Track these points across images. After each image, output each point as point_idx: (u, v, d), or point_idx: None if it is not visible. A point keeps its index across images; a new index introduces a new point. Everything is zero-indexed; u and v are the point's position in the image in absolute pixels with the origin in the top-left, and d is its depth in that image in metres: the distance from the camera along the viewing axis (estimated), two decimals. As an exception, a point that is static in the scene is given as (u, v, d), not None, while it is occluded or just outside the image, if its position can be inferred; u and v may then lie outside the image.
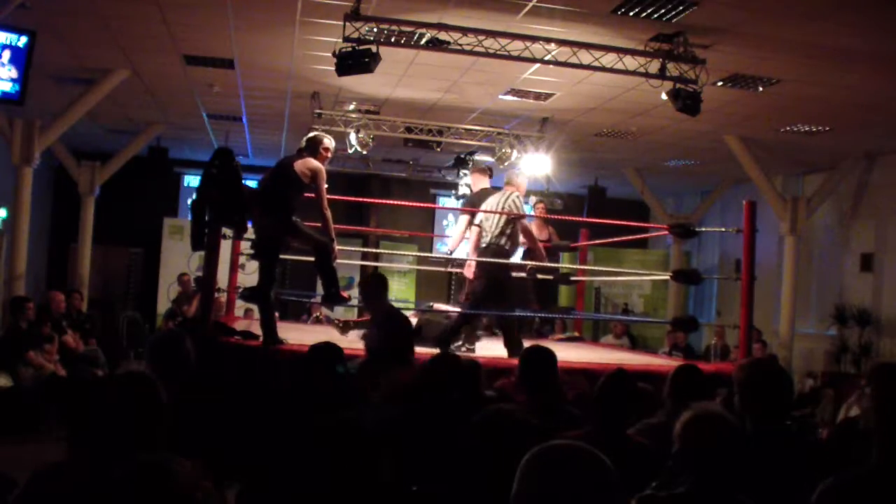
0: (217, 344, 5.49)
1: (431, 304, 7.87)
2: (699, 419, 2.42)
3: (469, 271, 6.63)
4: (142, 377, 2.57)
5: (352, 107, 9.81)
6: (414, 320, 6.81)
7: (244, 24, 7.14)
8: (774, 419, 3.09)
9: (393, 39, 6.60)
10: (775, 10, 6.09)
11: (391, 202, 13.13)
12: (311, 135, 5.96)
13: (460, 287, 8.79)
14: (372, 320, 5.57)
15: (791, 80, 7.70)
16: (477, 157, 11.15)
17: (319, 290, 6.72)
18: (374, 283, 5.64)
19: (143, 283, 14.12)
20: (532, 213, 8.48)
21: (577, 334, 9.51)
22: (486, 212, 6.54)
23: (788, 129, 9.61)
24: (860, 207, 11.12)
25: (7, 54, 6.68)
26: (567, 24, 6.59)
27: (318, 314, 11.31)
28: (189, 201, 12.42)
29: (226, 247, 6.48)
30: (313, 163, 5.65)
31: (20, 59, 6.71)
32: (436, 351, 4.86)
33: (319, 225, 5.78)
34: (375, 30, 6.39)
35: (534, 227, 7.56)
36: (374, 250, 12.97)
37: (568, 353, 6.14)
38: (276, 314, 5.96)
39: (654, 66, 6.83)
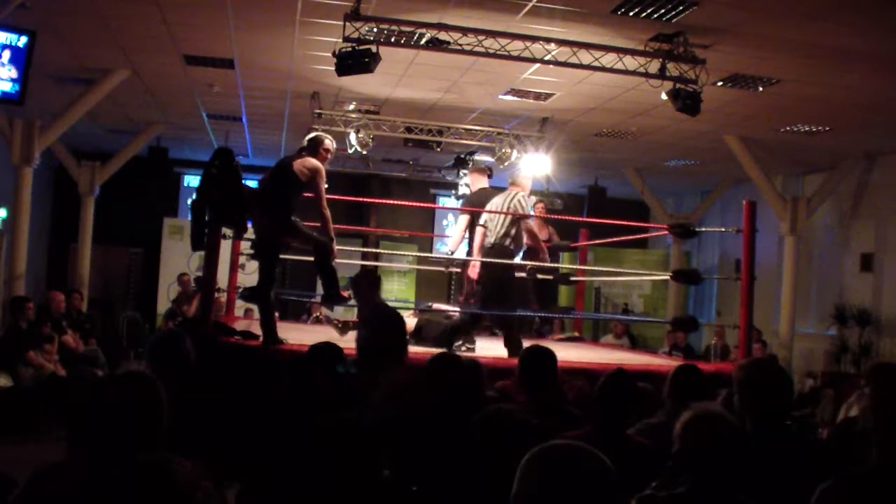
0: (217, 344, 5.48)
1: (431, 303, 7.86)
2: (699, 419, 2.42)
3: (473, 271, 6.63)
4: (142, 377, 2.57)
5: (352, 107, 9.81)
6: (414, 320, 6.81)
7: (244, 24, 7.14)
8: (774, 419, 3.09)
9: (393, 39, 6.60)
10: (775, 10, 6.09)
11: (391, 202, 13.13)
12: (312, 135, 5.96)
13: (460, 287, 8.79)
14: (359, 317, 5.54)
15: (791, 80, 7.70)
16: (477, 157, 11.16)
17: (319, 290, 6.71)
18: (364, 281, 5.63)
19: (143, 283, 14.12)
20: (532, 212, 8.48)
21: (577, 334, 9.50)
22: (490, 212, 6.55)
23: (788, 129, 9.61)
24: (860, 207, 11.12)
25: (7, 54, 6.68)
26: (567, 24, 6.59)
27: (318, 314, 11.32)
28: (189, 201, 12.42)
29: (226, 247, 6.47)
30: (312, 161, 5.63)
31: (20, 59, 6.72)
32: (436, 351, 4.86)
33: (319, 225, 5.79)
34: (375, 30, 6.39)
35: (534, 226, 7.56)
36: (374, 250, 12.96)
37: (568, 353, 6.13)
38: (276, 314, 5.96)
39: (654, 66, 6.83)
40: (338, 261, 5.82)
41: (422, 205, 13.97)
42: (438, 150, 11.08)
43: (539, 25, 6.61)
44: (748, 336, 6.48)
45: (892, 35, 6.38)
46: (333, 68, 6.44)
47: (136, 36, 7.67)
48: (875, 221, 10.92)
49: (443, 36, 6.69)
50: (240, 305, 9.30)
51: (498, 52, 6.63)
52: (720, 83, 7.82)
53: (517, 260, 7.23)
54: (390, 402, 3.29)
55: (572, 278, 9.53)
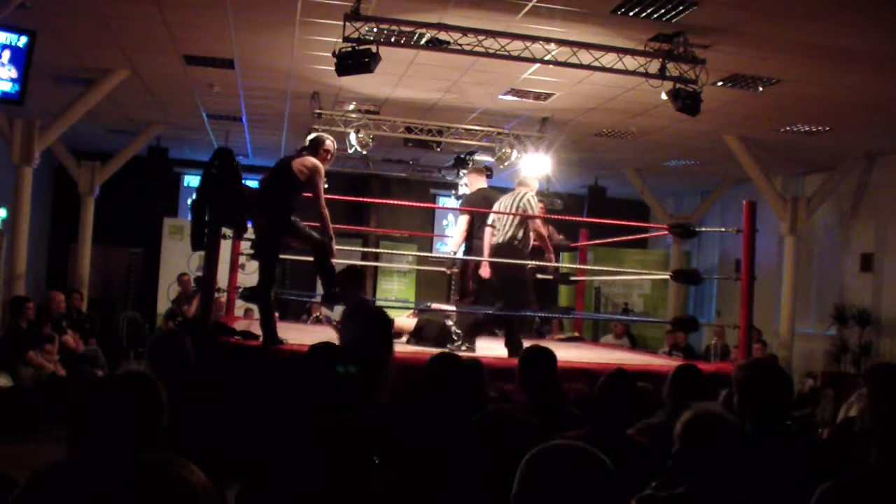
0: (217, 344, 5.49)
1: (430, 303, 7.86)
2: (699, 419, 2.42)
3: (485, 271, 6.62)
4: (142, 377, 2.57)
5: (352, 107, 9.81)
6: (414, 320, 6.81)
7: (244, 24, 7.14)
8: (774, 419, 3.09)
9: (393, 39, 6.60)
10: (775, 10, 6.09)
11: (391, 202, 13.13)
12: (313, 136, 5.96)
13: (457, 287, 8.77)
14: (343, 314, 5.52)
15: (791, 80, 7.70)
16: (477, 157, 11.16)
17: (319, 290, 6.71)
18: (345, 276, 5.61)
19: (143, 283, 14.13)
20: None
21: (577, 334, 9.51)
22: (497, 212, 6.55)
23: (788, 129, 9.61)
24: (860, 207, 11.12)
25: (7, 54, 6.68)
26: (567, 24, 6.59)
27: (318, 314, 11.33)
28: (189, 201, 12.42)
29: (226, 247, 6.48)
30: (311, 160, 5.62)
31: (20, 59, 6.72)
32: (436, 351, 4.85)
33: (318, 224, 5.78)
34: (375, 30, 6.39)
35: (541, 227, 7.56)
36: (374, 250, 12.97)
37: (568, 353, 6.14)
38: (276, 314, 5.96)
39: (654, 66, 6.83)
40: (338, 261, 5.82)
41: (422, 205, 13.97)
42: (438, 150, 11.08)
43: (539, 25, 6.61)
44: (748, 336, 6.48)
45: (892, 35, 6.38)
46: (333, 68, 6.44)
47: (136, 36, 7.67)
48: (875, 221, 10.92)
49: (443, 36, 6.69)
50: (240, 305, 9.31)
51: (498, 52, 6.63)
52: (720, 83, 7.82)
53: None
54: (390, 402, 3.29)
55: (572, 278, 9.53)
